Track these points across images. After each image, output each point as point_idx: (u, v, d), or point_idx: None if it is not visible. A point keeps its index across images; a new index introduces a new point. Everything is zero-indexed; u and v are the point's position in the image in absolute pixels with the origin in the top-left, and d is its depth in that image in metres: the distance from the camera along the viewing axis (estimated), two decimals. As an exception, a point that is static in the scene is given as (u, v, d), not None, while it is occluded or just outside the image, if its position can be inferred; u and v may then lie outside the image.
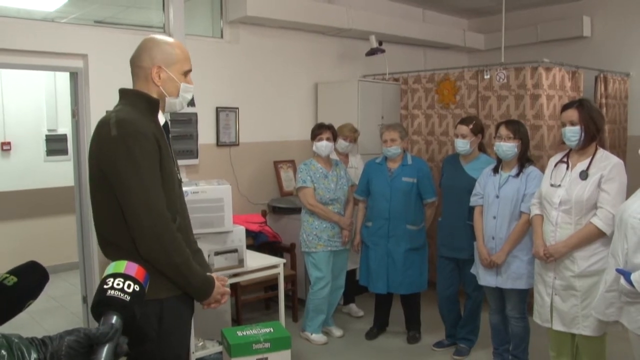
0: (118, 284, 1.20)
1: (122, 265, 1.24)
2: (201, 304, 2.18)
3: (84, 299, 4.60)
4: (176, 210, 2.05)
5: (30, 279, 1.31)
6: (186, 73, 2.13)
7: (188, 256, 2.00)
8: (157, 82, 2.07)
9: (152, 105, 2.06)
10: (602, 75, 5.79)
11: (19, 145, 6.33)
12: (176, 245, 1.96)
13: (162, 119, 2.12)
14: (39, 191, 6.34)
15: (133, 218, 1.91)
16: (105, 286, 1.19)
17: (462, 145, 4.00)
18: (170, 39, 2.14)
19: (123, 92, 2.10)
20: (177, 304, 2.04)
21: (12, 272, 1.30)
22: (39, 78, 6.36)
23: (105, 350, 1.09)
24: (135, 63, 2.10)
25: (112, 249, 2.03)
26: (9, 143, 6.26)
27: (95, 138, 1.99)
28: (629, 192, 2.87)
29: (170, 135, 2.17)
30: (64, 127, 6.49)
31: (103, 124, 1.97)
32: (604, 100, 5.78)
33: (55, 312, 5.25)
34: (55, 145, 6.53)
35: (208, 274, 2.18)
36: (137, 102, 2.05)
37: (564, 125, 3.16)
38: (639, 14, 6.26)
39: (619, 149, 5.96)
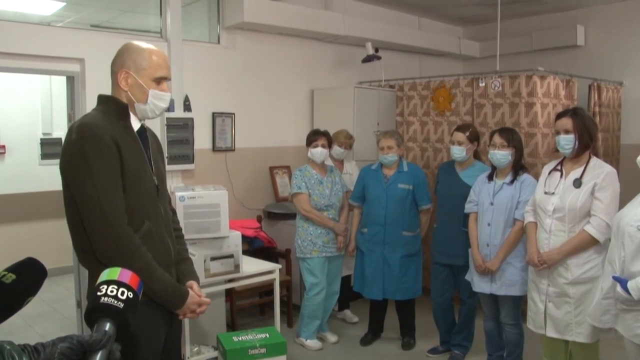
0: (112, 291, 1.19)
1: (116, 272, 1.24)
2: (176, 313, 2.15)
3: (78, 304, 4.58)
4: (145, 215, 2.04)
5: (29, 276, 1.31)
6: (159, 80, 2.11)
7: (148, 262, 1.97)
8: (124, 86, 2.08)
9: (121, 109, 2.07)
10: (595, 84, 5.83)
11: (14, 149, 6.32)
12: (133, 250, 1.94)
13: (136, 123, 2.12)
14: (33, 195, 6.32)
15: (88, 222, 1.92)
16: (98, 293, 1.19)
17: (458, 152, 4.02)
18: (146, 45, 2.13)
19: (99, 98, 2.12)
20: (143, 310, 2.01)
21: (10, 269, 1.30)
22: (34, 82, 6.36)
23: (98, 358, 1.09)
24: (111, 68, 2.13)
25: (83, 256, 2.03)
26: (3, 146, 6.25)
27: (63, 143, 2.02)
28: (622, 200, 2.90)
29: (149, 140, 2.16)
30: (59, 131, 6.49)
31: (69, 130, 2.00)
32: (597, 109, 5.82)
33: (49, 317, 5.23)
34: (50, 148, 6.51)
35: (190, 282, 2.17)
36: (107, 107, 2.06)
37: (558, 133, 3.18)
38: (632, 23, 6.32)
39: (612, 157, 6.00)
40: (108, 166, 1.92)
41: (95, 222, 1.91)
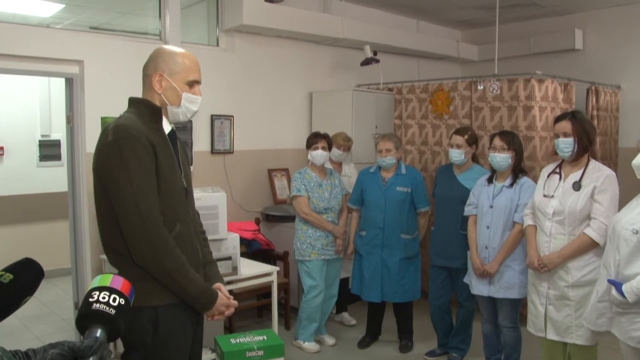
0: (104, 298, 1.20)
1: (108, 279, 1.24)
2: (205, 315, 2.17)
3: (76, 306, 4.57)
4: (177, 217, 2.05)
5: (26, 276, 1.31)
6: (191, 83, 2.14)
7: (182, 263, 1.98)
8: (158, 89, 2.09)
9: (154, 112, 2.08)
10: (593, 88, 5.86)
11: (12, 150, 6.32)
12: (168, 250, 1.94)
13: (167, 127, 2.13)
14: (31, 196, 6.32)
15: (124, 222, 1.92)
16: (90, 299, 1.19)
17: (457, 155, 4.03)
18: (179, 49, 2.16)
19: (130, 101, 2.14)
20: (174, 312, 2.02)
21: (7, 269, 1.30)
22: (33, 83, 6.36)
23: None
24: (144, 71, 2.14)
25: (112, 255, 2.04)
26: (2, 148, 6.24)
27: (97, 145, 2.02)
28: (621, 203, 2.91)
29: (178, 143, 2.18)
30: (58, 133, 6.48)
31: (104, 131, 2.00)
32: (595, 112, 5.84)
33: (46, 319, 5.22)
34: (48, 150, 6.52)
35: (216, 284, 2.18)
36: (140, 110, 2.07)
37: (557, 136, 3.19)
38: (629, 27, 6.35)
39: (610, 160, 6.02)
40: (145, 167, 1.93)
41: (132, 223, 1.91)
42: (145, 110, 2.07)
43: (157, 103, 2.10)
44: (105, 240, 2.05)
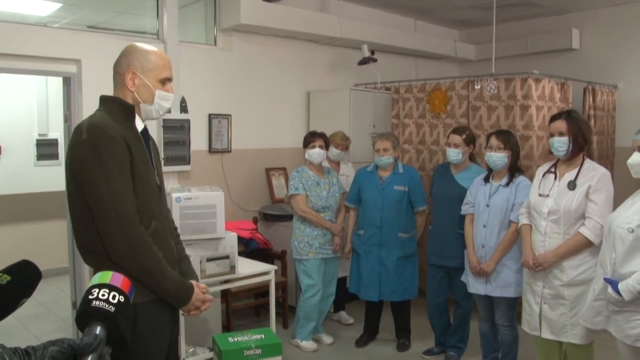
0: (103, 295, 1.20)
1: (107, 276, 1.25)
2: (181, 311, 2.18)
3: (74, 305, 4.57)
4: (152, 215, 2.06)
5: (24, 278, 1.31)
6: (164, 81, 2.14)
7: (159, 260, 1.99)
8: (131, 87, 2.09)
9: (127, 110, 2.08)
10: (590, 87, 5.87)
11: (9, 150, 6.31)
12: (145, 248, 1.96)
13: (140, 124, 2.13)
14: (28, 195, 6.32)
15: (101, 220, 1.92)
16: (90, 297, 1.19)
17: (454, 154, 4.03)
18: (150, 47, 2.15)
19: (101, 99, 2.13)
20: (152, 309, 2.03)
21: (4, 271, 1.30)
22: (30, 83, 6.35)
23: None
24: (115, 69, 2.14)
25: (90, 256, 2.04)
26: (-1, 147, 6.25)
27: (69, 143, 2.02)
28: (617, 202, 2.92)
29: (150, 141, 2.18)
30: (55, 132, 6.49)
31: (76, 130, 2.00)
32: (592, 112, 5.85)
33: (44, 318, 5.22)
34: (45, 149, 6.51)
35: (191, 280, 2.19)
36: (113, 108, 2.07)
37: (552, 135, 3.20)
38: (626, 27, 6.37)
39: (607, 159, 6.03)
40: (120, 165, 1.93)
41: (108, 221, 1.91)
42: (118, 108, 2.07)
43: (130, 101, 2.10)
44: (80, 240, 2.05)
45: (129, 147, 1.97)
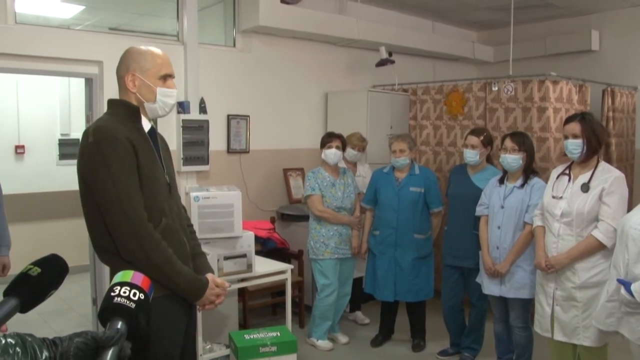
0: (124, 292, 1.25)
1: (129, 275, 1.30)
2: (196, 305, 2.24)
3: (94, 302, 4.66)
4: (162, 212, 2.11)
5: (52, 270, 1.37)
6: (164, 78, 2.19)
7: (169, 256, 2.05)
8: (132, 89, 2.15)
9: (132, 111, 2.14)
10: (609, 89, 5.82)
11: (33, 149, 6.45)
12: (154, 244, 2.01)
13: (146, 124, 2.19)
14: (51, 194, 6.44)
15: (110, 220, 2.00)
16: (112, 294, 1.25)
17: (472, 156, 4.05)
18: (145, 48, 2.21)
19: (109, 102, 2.20)
20: (166, 304, 2.08)
21: (35, 263, 1.37)
22: (53, 84, 6.49)
23: (110, 353, 1.15)
24: (117, 74, 2.21)
25: (104, 255, 2.12)
26: (23, 146, 6.38)
27: (79, 148, 2.09)
28: (635, 204, 2.90)
29: (159, 140, 2.24)
30: (77, 132, 6.59)
31: (84, 134, 2.07)
32: (611, 114, 5.81)
33: (65, 314, 5.32)
34: (68, 149, 6.63)
35: (206, 274, 2.24)
36: (118, 110, 2.14)
37: (566, 137, 3.20)
38: (647, 28, 6.31)
39: (626, 162, 5.98)
40: (126, 166, 2.00)
41: (117, 221, 1.98)
42: (123, 110, 2.14)
43: (134, 102, 2.16)
44: (94, 240, 2.12)
45: (134, 147, 2.03)
